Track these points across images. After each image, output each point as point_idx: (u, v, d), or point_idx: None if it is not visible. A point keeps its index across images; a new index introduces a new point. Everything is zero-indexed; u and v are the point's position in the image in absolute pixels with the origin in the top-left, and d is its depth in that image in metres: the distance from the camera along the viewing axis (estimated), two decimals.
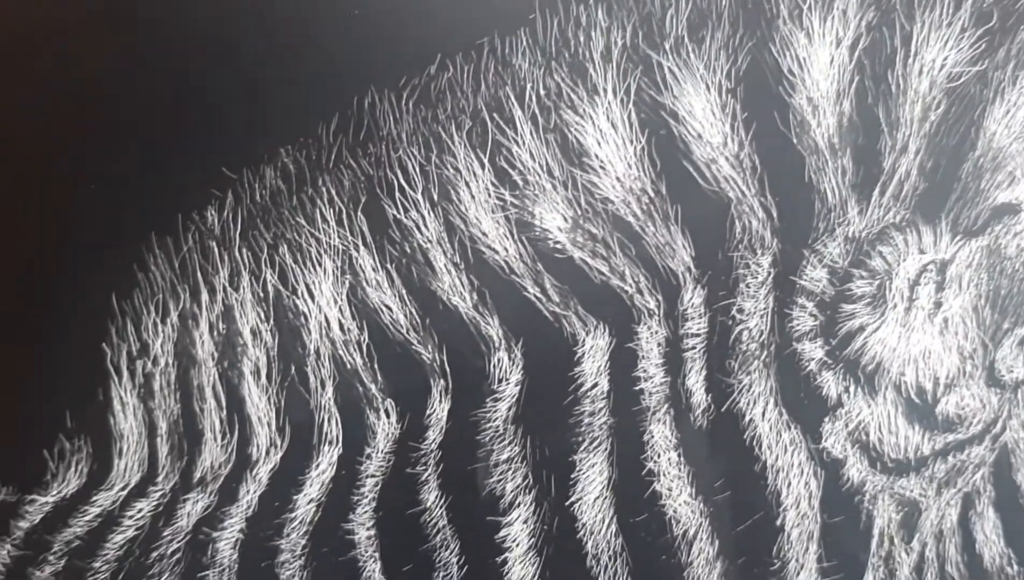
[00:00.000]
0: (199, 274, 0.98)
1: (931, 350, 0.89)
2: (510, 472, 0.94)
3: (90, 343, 0.99)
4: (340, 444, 0.96)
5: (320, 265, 0.96)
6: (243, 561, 0.97)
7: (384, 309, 0.95)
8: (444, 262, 0.94)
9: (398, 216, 0.94)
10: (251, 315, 0.97)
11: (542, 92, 0.92)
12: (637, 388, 0.93)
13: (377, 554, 0.95)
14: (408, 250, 0.95)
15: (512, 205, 0.93)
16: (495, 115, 0.93)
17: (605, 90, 0.91)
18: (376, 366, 0.96)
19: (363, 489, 0.96)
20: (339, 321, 0.96)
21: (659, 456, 0.92)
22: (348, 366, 0.96)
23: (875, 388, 0.90)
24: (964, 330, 0.88)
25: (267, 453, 0.97)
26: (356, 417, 0.96)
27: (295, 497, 0.97)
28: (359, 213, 0.95)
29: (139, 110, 0.99)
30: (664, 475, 0.92)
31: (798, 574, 0.90)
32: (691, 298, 0.92)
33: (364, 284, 0.95)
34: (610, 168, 0.91)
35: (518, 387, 0.94)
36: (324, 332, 0.96)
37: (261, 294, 0.97)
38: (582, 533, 0.93)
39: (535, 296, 0.93)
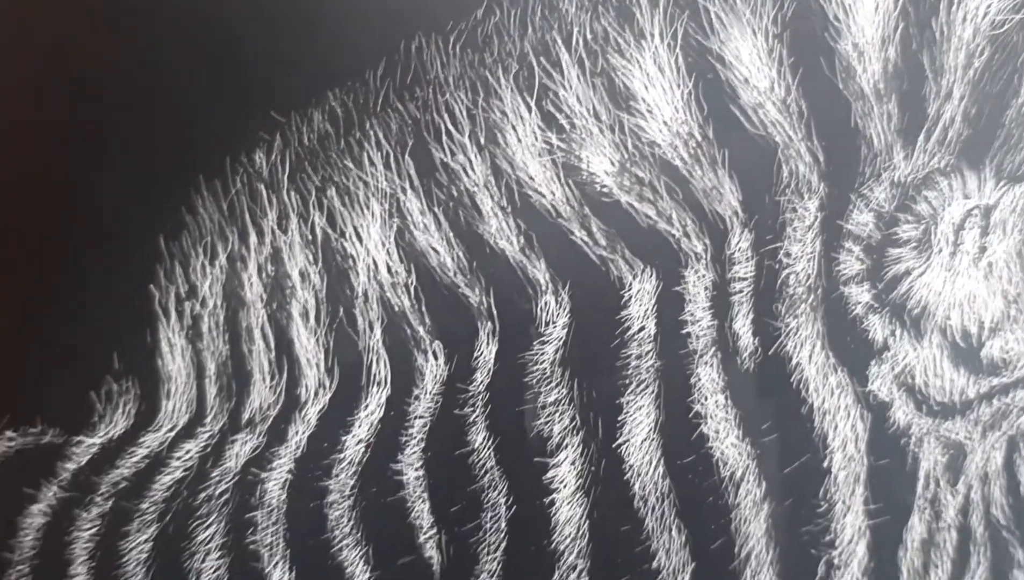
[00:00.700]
0: (247, 216, 0.99)
1: (976, 294, 0.90)
2: (557, 414, 0.95)
3: (138, 285, 1.01)
4: (388, 385, 0.98)
5: (368, 208, 0.97)
6: (291, 502, 0.99)
7: (431, 252, 0.97)
8: (491, 205, 0.96)
9: (445, 159, 0.96)
10: (299, 257, 0.99)
11: (589, 36, 0.93)
12: (684, 331, 0.94)
13: (425, 494, 0.97)
14: (455, 193, 0.96)
15: (559, 149, 0.94)
16: (542, 59, 0.94)
17: (652, 34, 0.92)
18: (424, 308, 0.97)
19: (411, 430, 0.97)
20: (387, 264, 0.97)
21: (706, 399, 0.94)
22: (396, 308, 0.98)
23: (921, 332, 0.91)
24: (1008, 275, 0.89)
25: (316, 394, 0.99)
26: (404, 359, 0.98)
27: (344, 438, 0.98)
28: (406, 156, 0.97)
29: (189, 54, 1.00)
30: (711, 417, 0.93)
31: (844, 516, 0.91)
32: (738, 242, 0.93)
33: (411, 227, 0.97)
34: (657, 112, 0.92)
35: (565, 330, 0.96)
36: (372, 274, 0.98)
37: (309, 236, 0.99)
38: (629, 475, 0.94)
39: (582, 240, 0.95)
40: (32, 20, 1.03)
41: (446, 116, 0.96)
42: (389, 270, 0.98)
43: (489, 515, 0.96)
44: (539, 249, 0.96)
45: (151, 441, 1.02)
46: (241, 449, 1.00)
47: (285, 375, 1.00)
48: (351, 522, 0.98)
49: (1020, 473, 0.91)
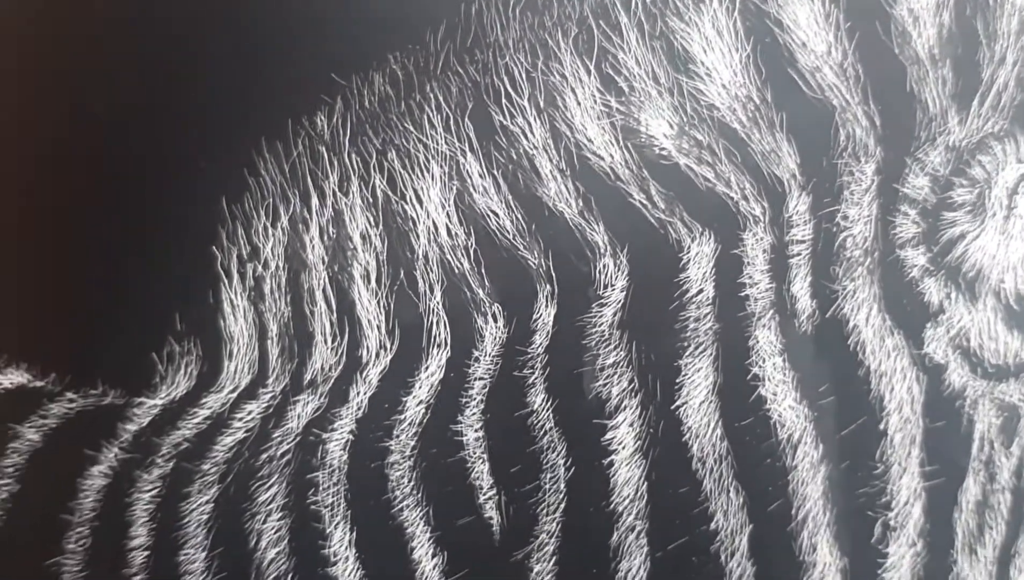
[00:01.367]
0: (309, 179, 1.01)
1: None
2: (616, 376, 0.97)
3: (200, 247, 1.02)
4: (448, 347, 1.00)
5: (428, 171, 0.99)
6: (353, 462, 1.00)
7: (491, 215, 0.99)
8: (550, 168, 0.97)
9: (504, 122, 0.98)
10: (360, 220, 1.00)
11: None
12: (742, 294, 0.96)
13: (485, 455, 0.99)
14: (514, 156, 0.98)
15: (618, 112, 0.96)
16: (601, 22, 0.96)
17: None
18: (483, 271, 0.99)
19: (471, 391, 0.99)
20: (447, 226, 0.99)
21: (764, 361, 0.96)
22: (456, 271, 1.00)
23: (976, 294, 0.93)
24: None
25: (377, 356, 1.01)
26: (464, 321, 1.00)
27: (404, 399, 1.00)
28: (466, 119, 0.98)
29: (253, 18, 1.02)
30: (769, 380, 0.96)
31: (900, 478, 0.93)
32: (796, 205, 0.95)
33: (471, 190, 0.99)
34: (716, 75, 0.95)
35: (623, 293, 0.98)
36: (432, 237, 0.99)
37: (370, 199, 1.00)
38: (687, 437, 0.96)
39: (640, 202, 0.96)
40: None
41: (505, 79, 0.98)
42: (449, 233, 0.99)
43: (548, 476, 0.98)
44: (598, 212, 0.97)
45: (213, 402, 1.04)
46: (303, 410, 1.02)
47: (346, 337, 1.02)
48: (411, 483, 0.99)
49: None
